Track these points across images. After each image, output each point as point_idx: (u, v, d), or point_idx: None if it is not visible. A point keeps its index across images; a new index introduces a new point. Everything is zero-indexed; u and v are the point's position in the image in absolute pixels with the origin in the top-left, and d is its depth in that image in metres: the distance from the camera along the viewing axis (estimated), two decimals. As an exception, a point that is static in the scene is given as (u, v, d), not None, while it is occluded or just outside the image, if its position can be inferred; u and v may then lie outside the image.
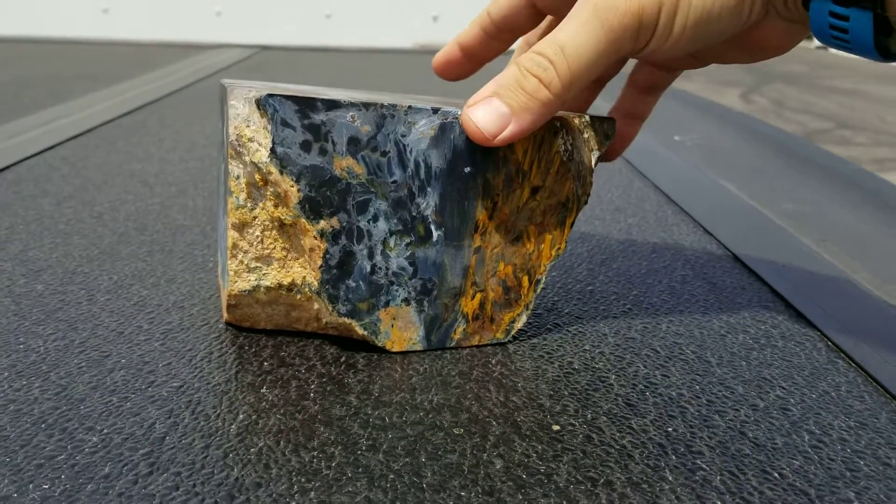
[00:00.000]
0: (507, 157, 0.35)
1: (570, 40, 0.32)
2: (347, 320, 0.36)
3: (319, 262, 0.35)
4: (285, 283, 0.36)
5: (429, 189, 0.35)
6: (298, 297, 0.36)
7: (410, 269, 0.36)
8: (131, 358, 0.35)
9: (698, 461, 0.29)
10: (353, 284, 0.35)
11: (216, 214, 0.55)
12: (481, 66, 0.43)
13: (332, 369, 0.35)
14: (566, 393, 0.33)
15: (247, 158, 0.34)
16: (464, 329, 0.37)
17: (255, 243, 0.35)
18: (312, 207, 0.34)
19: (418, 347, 0.37)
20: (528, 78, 0.33)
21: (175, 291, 0.43)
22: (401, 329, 0.36)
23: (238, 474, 0.28)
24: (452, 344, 0.37)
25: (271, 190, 0.34)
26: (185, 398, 0.32)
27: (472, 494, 0.27)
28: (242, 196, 0.35)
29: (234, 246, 0.35)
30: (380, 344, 0.36)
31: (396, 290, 0.36)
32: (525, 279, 0.38)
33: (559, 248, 0.38)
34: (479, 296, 0.37)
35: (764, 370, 0.36)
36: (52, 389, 0.33)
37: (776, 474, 0.28)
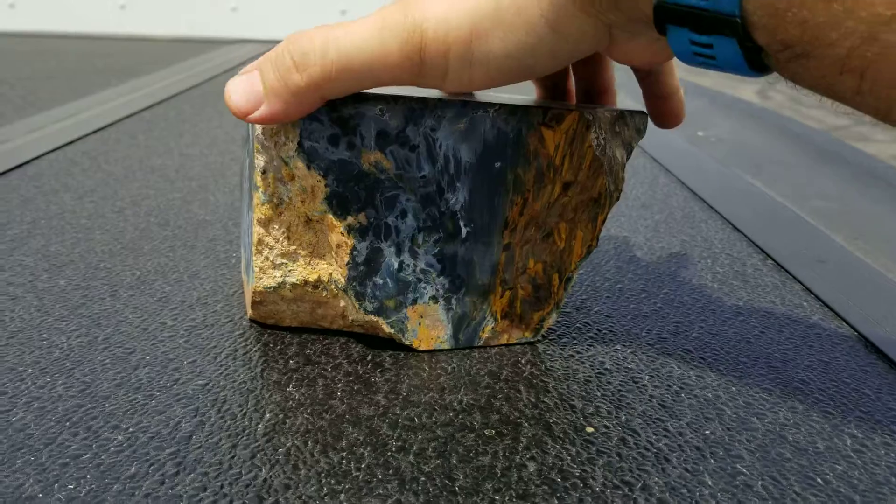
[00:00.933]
0: (539, 151, 0.34)
1: (346, 38, 0.30)
2: (374, 318, 0.35)
3: (346, 259, 0.34)
4: (311, 279, 0.35)
5: (458, 184, 0.34)
6: (324, 294, 0.36)
7: (439, 267, 0.35)
8: (155, 355, 0.35)
9: (738, 465, 0.28)
10: (381, 282, 0.34)
11: (239, 210, 0.55)
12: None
13: (359, 368, 0.34)
14: (599, 394, 0.33)
15: (273, 153, 0.33)
16: (492, 328, 0.36)
17: (280, 239, 0.35)
18: (340, 203, 0.33)
19: (446, 346, 0.36)
20: (285, 58, 0.30)
21: (198, 287, 0.42)
22: (428, 327, 0.36)
23: (266, 475, 0.27)
24: (480, 343, 0.36)
25: (298, 185, 0.34)
26: (211, 396, 0.32)
27: (506, 498, 0.26)
28: (268, 191, 0.34)
29: (260, 242, 0.35)
30: (406, 342, 0.36)
31: (424, 288, 0.35)
32: (555, 277, 0.37)
33: (591, 245, 0.37)
34: (508, 294, 0.36)
35: (801, 372, 0.35)
36: (76, 387, 0.32)
37: (819, 480, 0.27)
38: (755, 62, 0.27)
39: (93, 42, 1.57)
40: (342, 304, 0.36)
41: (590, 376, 0.34)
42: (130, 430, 0.29)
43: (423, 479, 0.27)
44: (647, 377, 0.34)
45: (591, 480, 0.27)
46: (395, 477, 0.27)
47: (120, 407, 0.31)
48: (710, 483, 0.27)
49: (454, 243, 0.35)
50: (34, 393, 0.32)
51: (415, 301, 0.35)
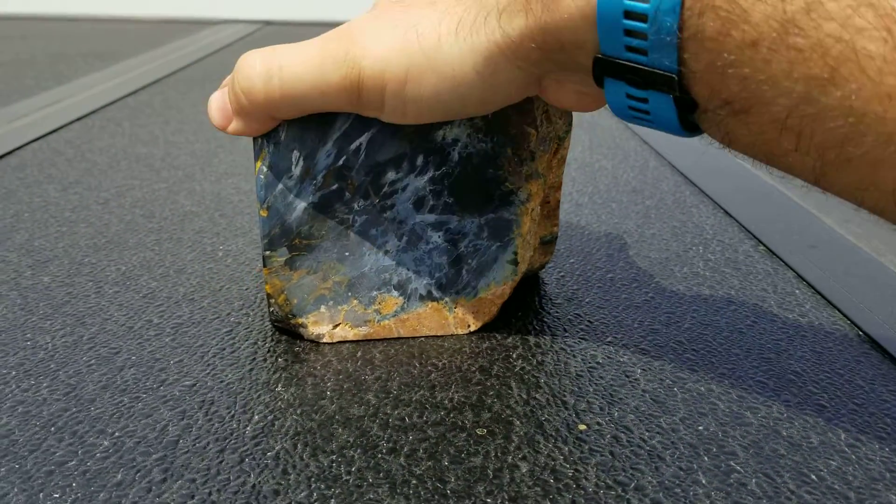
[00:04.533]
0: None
1: (289, 67, 0.31)
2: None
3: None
4: None
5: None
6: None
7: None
8: (142, 355, 0.34)
9: (732, 462, 0.28)
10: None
11: (225, 199, 0.54)
12: None
13: (349, 365, 0.34)
14: (591, 389, 0.32)
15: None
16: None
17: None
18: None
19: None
20: (234, 84, 0.32)
21: (185, 283, 0.42)
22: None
23: (255, 481, 0.27)
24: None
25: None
26: (199, 398, 0.31)
27: (499, 501, 0.26)
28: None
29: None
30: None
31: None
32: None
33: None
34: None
35: (794, 363, 0.34)
36: (61, 389, 0.32)
37: (814, 476, 0.27)
38: (687, 121, 0.27)
39: (76, 24, 1.54)
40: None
41: (581, 371, 0.34)
42: (116, 434, 0.29)
43: (414, 481, 0.27)
44: (639, 371, 0.34)
45: (583, 481, 0.27)
46: (385, 480, 0.27)
47: (106, 410, 0.30)
48: (704, 482, 0.27)
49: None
50: (18, 396, 0.31)
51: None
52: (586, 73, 0.28)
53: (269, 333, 0.36)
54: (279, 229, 0.34)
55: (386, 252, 0.35)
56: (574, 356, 0.35)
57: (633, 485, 0.27)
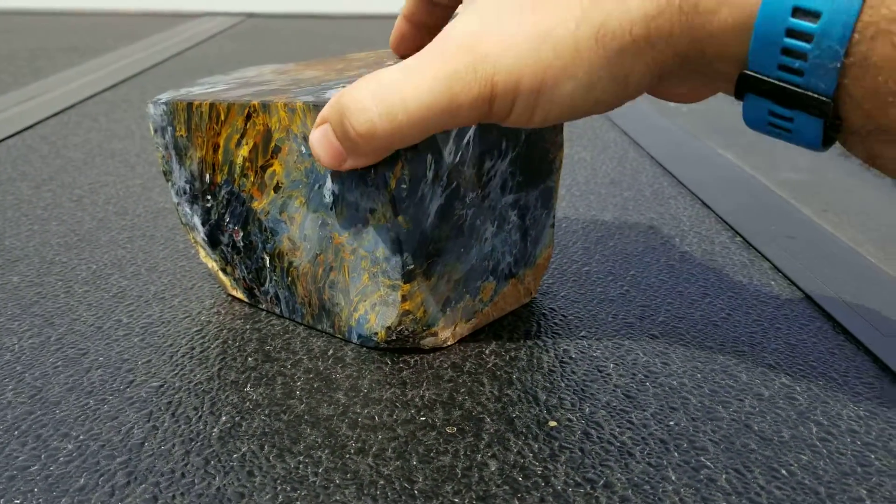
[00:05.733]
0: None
1: (413, 96, 0.28)
2: None
3: None
4: None
5: None
6: None
7: None
8: (109, 355, 0.34)
9: (702, 458, 0.28)
10: None
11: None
12: (437, 33, 0.40)
13: (320, 364, 0.33)
14: (563, 385, 0.32)
15: None
16: None
17: None
18: None
19: None
20: (348, 130, 0.29)
21: (156, 281, 0.41)
22: None
23: (220, 483, 0.26)
24: None
25: None
26: (166, 399, 0.31)
27: (466, 500, 0.26)
28: None
29: None
30: None
31: None
32: None
33: None
34: None
35: (768, 356, 0.34)
36: (26, 392, 0.31)
37: (784, 471, 0.27)
38: (829, 140, 0.26)
39: (58, 19, 1.53)
40: None
41: (554, 366, 0.33)
42: (81, 438, 0.29)
43: (381, 482, 0.26)
44: (611, 365, 0.33)
45: (553, 479, 0.27)
46: (353, 481, 0.26)
47: (71, 413, 0.30)
48: (673, 478, 0.27)
49: None
50: (-18, 400, 0.31)
51: None
52: (723, 81, 0.27)
53: (240, 332, 0.36)
54: (419, 239, 0.32)
55: (485, 240, 0.35)
56: (547, 351, 0.34)
57: (601, 482, 0.26)
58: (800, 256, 0.44)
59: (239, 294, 0.39)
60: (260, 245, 0.36)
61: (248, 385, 0.32)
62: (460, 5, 0.34)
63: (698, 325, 0.37)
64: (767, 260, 0.44)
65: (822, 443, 0.29)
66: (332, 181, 0.33)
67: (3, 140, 0.67)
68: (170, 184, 0.39)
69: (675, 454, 0.28)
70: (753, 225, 0.48)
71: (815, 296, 0.39)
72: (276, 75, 0.39)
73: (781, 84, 0.25)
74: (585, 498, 0.26)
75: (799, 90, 0.25)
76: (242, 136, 0.35)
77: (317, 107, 0.32)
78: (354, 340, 0.35)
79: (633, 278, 0.41)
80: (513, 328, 0.36)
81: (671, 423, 0.30)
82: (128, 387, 0.32)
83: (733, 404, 0.31)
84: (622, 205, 0.52)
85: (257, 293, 0.38)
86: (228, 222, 0.37)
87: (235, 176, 0.36)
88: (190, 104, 0.36)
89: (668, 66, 0.28)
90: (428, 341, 0.35)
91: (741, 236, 0.47)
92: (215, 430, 0.29)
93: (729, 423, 0.30)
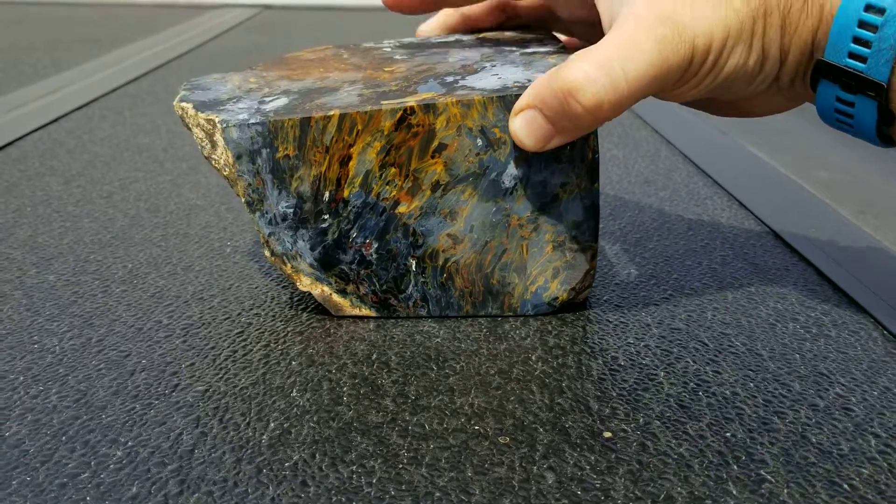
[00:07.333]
0: None
1: (633, 64, 0.31)
2: None
3: None
4: None
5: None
6: None
7: None
8: (152, 358, 0.34)
9: (762, 472, 0.27)
10: None
11: (230, 192, 0.53)
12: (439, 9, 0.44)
13: (364, 368, 0.33)
14: (614, 394, 0.31)
15: None
16: None
17: None
18: None
19: None
20: (574, 107, 0.31)
21: (193, 281, 0.41)
22: None
23: (274, 493, 0.26)
24: None
25: None
26: (212, 404, 0.31)
27: (525, 514, 0.25)
28: None
29: None
30: None
31: None
32: None
33: None
34: None
35: (819, 364, 0.34)
36: (71, 396, 0.31)
37: (846, 485, 0.27)
38: (883, 132, 0.31)
39: (73, 9, 1.53)
40: None
41: (604, 374, 0.33)
42: (130, 444, 0.28)
43: (437, 494, 0.26)
44: (662, 373, 0.33)
45: (612, 492, 0.26)
46: (408, 493, 0.26)
47: (118, 418, 0.30)
48: (735, 492, 0.26)
49: None
50: (27, 404, 0.30)
51: None
52: (799, 82, 0.33)
53: (281, 335, 0.35)
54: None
55: None
56: (595, 358, 0.34)
57: (662, 496, 0.26)
58: (841, 260, 0.43)
59: (363, 311, 0.37)
60: (404, 251, 0.36)
61: (294, 390, 0.31)
62: None
63: (746, 332, 0.36)
64: (810, 264, 0.43)
65: (882, 455, 0.28)
66: (516, 166, 0.35)
67: (29, 134, 0.66)
68: (257, 214, 0.35)
69: (735, 467, 0.27)
70: (793, 227, 0.48)
71: (862, 301, 0.39)
72: (297, 80, 0.38)
73: (849, 70, 0.30)
74: (646, 512, 0.25)
75: (861, 75, 0.30)
76: (388, 142, 0.34)
77: (502, 98, 0.34)
78: (528, 312, 0.37)
79: (677, 282, 0.41)
80: (558, 333, 0.36)
81: (728, 434, 0.29)
82: (173, 391, 0.31)
83: (789, 415, 0.30)
84: (658, 205, 0.52)
85: (394, 302, 0.37)
86: (356, 237, 0.36)
87: (373, 185, 0.35)
88: (307, 119, 0.34)
89: (786, 59, 0.32)
90: (586, 293, 0.38)
91: (782, 238, 0.46)
92: (265, 437, 0.29)
93: (786, 434, 0.29)
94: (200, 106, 0.35)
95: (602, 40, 0.32)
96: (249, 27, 1.32)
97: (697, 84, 0.33)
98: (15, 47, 1.08)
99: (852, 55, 0.30)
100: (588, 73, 0.31)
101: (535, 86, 0.32)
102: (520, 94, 0.33)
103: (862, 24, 0.30)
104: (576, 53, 0.32)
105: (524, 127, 0.33)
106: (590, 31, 0.41)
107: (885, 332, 0.36)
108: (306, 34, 1.25)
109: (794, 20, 0.31)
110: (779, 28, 0.31)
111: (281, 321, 0.37)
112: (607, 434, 0.29)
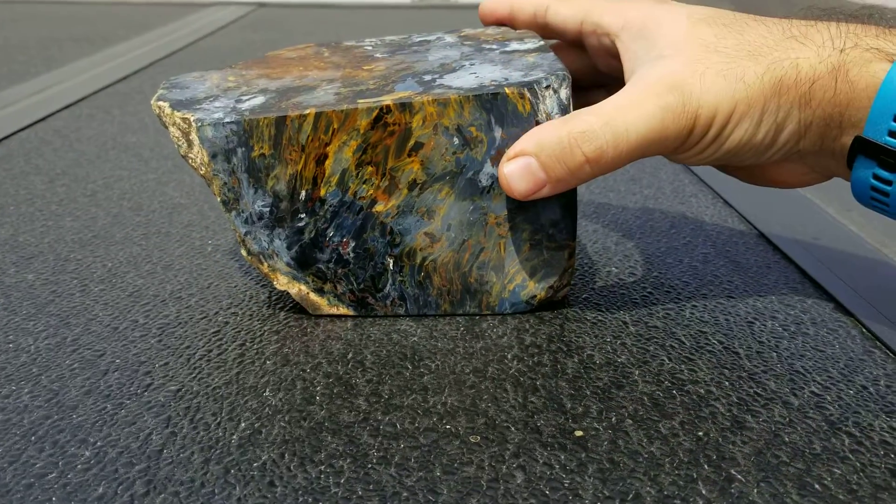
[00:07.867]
0: None
1: (634, 126, 0.32)
2: None
3: None
4: None
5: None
6: None
7: None
8: (126, 357, 0.34)
9: (733, 471, 0.27)
10: None
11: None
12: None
13: (339, 367, 0.33)
14: (588, 392, 0.31)
15: None
16: None
17: None
18: None
19: None
20: (575, 154, 0.32)
21: (172, 280, 0.41)
22: None
23: (241, 494, 0.26)
24: None
25: None
26: (184, 404, 0.30)
27: (492, 513, 0.25)
28: None
29: None
30: None
31: None
32: None
33: None
34: None
35: (796, 362, 0.34)
36: (43, 395, 0.31)
37: (817, 485, 0.26)
38: None
39: (67, 7, 1.53)
40: None
41: (578, 372, 0.33)
42: (99, 444, 0.28)
43: (405, 494, 0.26)
44: (637, 372, 0.33)
45: (581, 492, 0.26)
46: (375, 493, 0.26)
47: (88, 418, 0.30)
48: (704, 492, 0.26)
49: None
50: (-2, 403, 0.30)
51: None
52: (831, 156, 0.33)
53: (258, 334, 0.35)
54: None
55: None
56: (571, 356, 0.34)
57: (631, 495, 0.26)
58: (824, 258, 0.43)
59: (340, 310, 0.37)
60: (381, 249, 0.36)
61: (267, 390, 0.31)
62: (645, 46, 0.35)
63: (724, 330, 0.36)
64: (792, 262, 0.43)
65: (855, 455, 0.28)
66: (493, 165, 0.35)
67: (16, 133, 0.66)
68: (233, 213, 0.35)
69: (706, 466, 0.27)
70: (776, 225, 0.48)
71: (842, 299, 0.39)
72: (274, 78, 0.38)
73: (889, 148, 0.30)
74: (614, 512, 0.25)
75: None
76: (365, 141, 0.34)
77: (478, 97, 0.33)
78: (506, 310, 0.37)
79: (656, 280, 0.41)
80: (535, 332, 0.36)
81: (700, 433, 0.29)
82: (145, 391, 0.31)
83: (762, 414, 0.30)
84: (642, 202, 0.51)
85: (371, 301, 0.37)
86: (332, 236, 0.35)
87: (350, 184, 0.35)
88: (282, 118, 0.33)
89: (806, 132, 0.32)
90: (565, 291, 0.38)
91: (765, 237, 0.46)
92: (234, 437, 0.29)
93: (759, 433, 0.29)
94: (177, 104, 0.35)
95: (613, 96, 0.33)
96: (243, 25, 1.31)
97: (700, 152, 0.33)
98: (7, 45, 1.08)
99: (892, 133, 0.30)
100: (594, 126, 0.32)
101: (532, 134, 0.33)
102: (496, 92, 0.33)
103: None
104: (585, 108, 0.33)
105: (516, 172, 0.33)
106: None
107: (865, 330, 0.36)
108: (300, 32, 1.25)
109: (817, 95, 0.31)
110: (796, 103, 0.31)
111: (258, 320, 0.37)
112: (579, 433, 0.29)
